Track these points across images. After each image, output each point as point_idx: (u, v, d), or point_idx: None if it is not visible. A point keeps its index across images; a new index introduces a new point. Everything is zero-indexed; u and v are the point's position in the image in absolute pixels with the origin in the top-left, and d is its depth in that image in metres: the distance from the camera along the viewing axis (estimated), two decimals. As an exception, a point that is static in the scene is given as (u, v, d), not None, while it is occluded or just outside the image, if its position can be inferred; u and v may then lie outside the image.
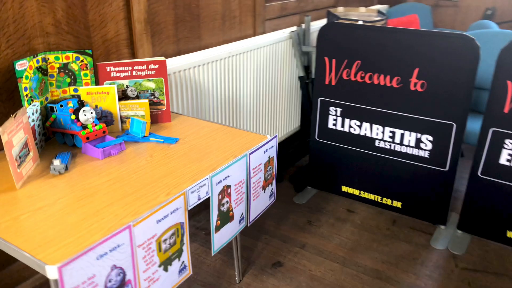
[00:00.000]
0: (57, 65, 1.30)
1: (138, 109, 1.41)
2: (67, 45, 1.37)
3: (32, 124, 1.20)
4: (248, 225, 1.38)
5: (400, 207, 2.03)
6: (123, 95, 1.43)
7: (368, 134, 2.00)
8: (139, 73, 1.41)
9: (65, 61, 1.31)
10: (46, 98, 1.31)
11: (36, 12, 1.27)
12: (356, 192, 2.15)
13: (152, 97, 1.46)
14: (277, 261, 1.75)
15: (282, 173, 2.45)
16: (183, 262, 1.13)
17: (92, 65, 1.35)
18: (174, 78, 1.64)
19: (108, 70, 1.38)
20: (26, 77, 1.21)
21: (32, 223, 0.93)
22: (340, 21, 2.22)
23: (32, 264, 0.83)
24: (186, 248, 1.13)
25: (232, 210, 1.28)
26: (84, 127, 1.24)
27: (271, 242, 1.87)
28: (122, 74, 1.40)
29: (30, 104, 1.23)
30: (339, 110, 2.06)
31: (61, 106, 1.26)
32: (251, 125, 2.15)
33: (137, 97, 1.44)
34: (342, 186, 2.19)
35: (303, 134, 2.61)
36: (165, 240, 1.05)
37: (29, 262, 0.83)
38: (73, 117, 1.23)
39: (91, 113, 1.25)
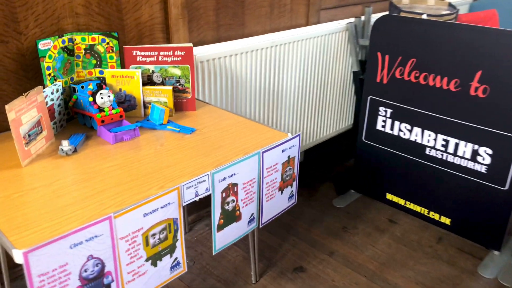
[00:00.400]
0: (83, 46, 1.31)
1: (161, 96, 1.39)
2: (97, 27, 1.38)
3: (51, 103, 1.22)
4: (260, 226, 1.30)
5: (448, 224, 1.83)
6: (149, 80, 1.41)
7: (419, 140, 1.82)
8: (165, 59, 1.38)
9: (91, 42, 1.31)
10: (72, 79, 1.32)
11: (66, -8, 1.28)
12: (401, 201, 1.98)
13: (178, 84, 1.42)
14: (300, 266, 1.66)
15: (326, 172, 2.33)
16: (176, 258, 1.08)
17: (118, 48, 1.34)
18: (212, 65, 1.59)
19: (134, 54, 1.36)
20: (50, 57, 1.23)
21: (21, 203, 0.94)
22: (402, 14, 2.03)
23: (5, 246, 0.83)
24: (181, 245, 1.08)
25: (239, 210, 1.21)
26: (101, 110, 1.24)
27: (298, 245, 1.78)
28: (148, 59, 1.38)
29: (52, 83, 1.25)
30: (389, 111, 1.89)
31: (82, 87, 1.27)
32: (293, 120, 2.05)
33: (162, 83, 1.42)
34: (387, 194, 2.02)
35: (355, 133, 2.45)
36: (154, 234, 1.01)
37: (3, 243, 0.84)
38: (90, 99, 1.23)
39: (109, 96, 1.24)
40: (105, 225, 0.90)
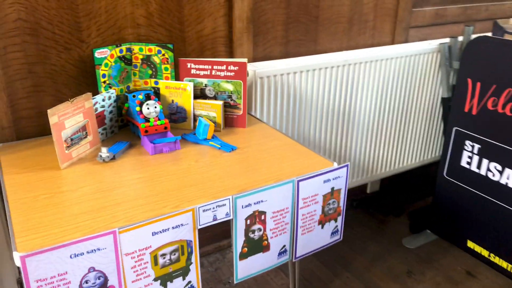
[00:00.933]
0: (141, 56, 1.34)
1: (211, 110, 1.36)
2: (158, 38, 1.40)
3: (101, 109, 1.26)
4: (294, 260, 1.20)
5: (540, 289, 1.52)
6: (201, 94, 1.39)
7: (510, 184, 1.55)
8: (218, 73, 1.35)
9: (147, 53, 1.34)
10: (128, 87, 1.36)
11: (129, 3, 1.32)
12: (485, 252, 1.70)
13: (229, 100, 1.38)
14: (347, 308, 1.50)
15: (402, 206, 2.11)
16: (189, 282, 1.04)
17: (173, 59, 1.35)
18: (273, 81, 1.53)
19: (188, 66, 1.36)
20: (106, 65, 1.27)
21: (43, 205, 0.97)
22: (506, 36, 1.75)
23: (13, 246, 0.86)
24: (195, 269, 1.03)
25: (267, 240, 1.12)
26: (146, 120, 1.25)
27: (351, 283, 1.62)
28: (202, 73, 1.36)
29: (107, 90, 1.29)
30: (476, 146, 1.64)
31: (133, 96, 1.30)
32: (365, 146, 1.89)
33: (215, 98, 1.39)
34: (468, 241, 1.76)
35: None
36: (164, 255, 0.97)
37: (13, 243, 0.87)
38: (137, 109, 1.25)
39: (155, 107, 1.25)
40: (109, 240, 0.89)
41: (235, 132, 1.37)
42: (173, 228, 0.96)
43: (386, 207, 2.07)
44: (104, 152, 1.16)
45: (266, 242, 1.13)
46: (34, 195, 1.01)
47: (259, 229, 1.10)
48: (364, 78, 1.76)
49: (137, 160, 1.18)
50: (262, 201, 1.07)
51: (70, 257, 0.86)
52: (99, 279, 0.90)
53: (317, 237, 1.22)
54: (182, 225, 0.97)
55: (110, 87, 1.31)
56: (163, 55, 1.34)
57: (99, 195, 1.02)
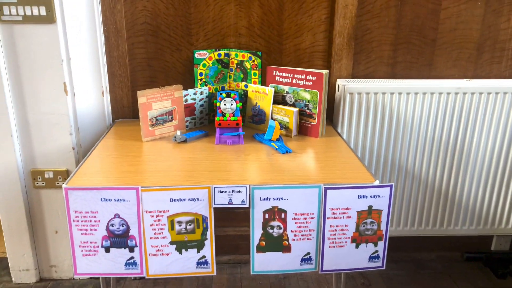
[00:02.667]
0: (236, 61, 1.51)
1: (285, 115, 1.43)
2: (256, 47, 1.55)
3: (191, 101, 1.47)
4: (320, 272, 1.16)
5: None
6: (283, 100, 1.48)
7: None
8: (297, 81, 1.42)
9: (241, 59, 1.50)
10: (223, 87, 1.55)
11: (233, 15, 1.51)
12: None
13: (306, 108, 1.43)
14: None
15: (533, 275, 1.72)
16: (203, 257, 1.13)
17: (261, 66, 1.47)
18: (365, 99, 1.51)
19: (274, 73, 1.47)
20: (204, 65, 1.49)
21: (108, 162, 1.22)
22: None
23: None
24: (210, 245, 1.12)
25: (287, 240, 1.13)
26: (223, 114, 1.41)
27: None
28: (284, 80, 1.45)
29: (202, 87, 1.50)
30: None
31: (221, 94, 1.47)
32: (484, 190, 1.63)
33: (293, 105, 1.45)
34: None
35: None
36: (180, 222, 1.09)
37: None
38: (218, 104, 1.41)
39: (231, 104, 1.39)
40: (132, 194, 1.06)
41: (305, 140, 1.40)
42: (189, 200, 1.08)
43: (507, 268, 1.72)
44: (178, 134, 1.36)
45: (286, 242, 1.13)
46: (107, 154, 1.27)
47: (279, 227, 1.12)
48: (487, 110, 1.54)
49: (202, 145, 1.34)
50: (282, 198, 1.09)
51: (101, 200, 1.06)
52: (122, 226, 1.09)
53: (349, 256, 1.15)
54: (198, 199, 1.08)
55: (206, 85, 1.51)
56: (253, 61, 1.48)
57: (150, 162, 1.21)
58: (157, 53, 1.54)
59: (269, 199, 1.09)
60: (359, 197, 1.10)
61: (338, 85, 1.53)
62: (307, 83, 1.40)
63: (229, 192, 1.08)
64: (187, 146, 1.34)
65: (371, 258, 1.16)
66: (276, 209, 1.10)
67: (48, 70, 1.39)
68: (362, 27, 1.54)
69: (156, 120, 1.39)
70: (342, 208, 1.11)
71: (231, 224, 1.71)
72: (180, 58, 1.55)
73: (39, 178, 1.50)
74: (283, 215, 1.11)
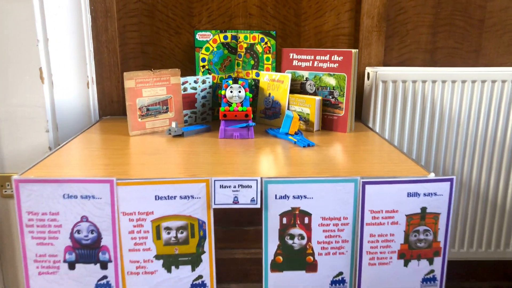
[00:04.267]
0: (245, 45, 1.27)
1: (305, 106, 1.17)
2: (270, 30, 1.31)
3: (191, 91, 1.22)
4: (356, 300, 0.86)
5: None
6: (302, 89, 1.22)
7: None
8: (320, 64, 1.17)
9: (251, 41, 1.26)
10: (229, 77, 1.30)
11: (242, -8, 1.29)
12: None
13: (330, 97, 1.16)
14: None
15: None
16: (200, 277, 0.84)
17: (275, 48, 1.23)
18: (401, 88, 1.24)
19: (290, 57, 1.22)
20: (207, 49, 1.25)
21: (87, 153, 0.96)
22: None
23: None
24: (209, 261, 0.84)
25: (312, 255, 0.84)
26: (229, 104, 1.15)
27: None
28: (304, 64, 1.20)
29: (205, 75, 1.25)
30: None
31: (227, 81, 1.22)
32: (549, 202, 1.33)
33: (315, 94, 1.19)
34: None
35: None
36: (169, 229, 0.82)
37: (30, 173, 0.86)
38: (222, 92, 1.16)
39: (239, 92, 1.14)
40: (105, 189, 0.79)
41: (330, 134, 1.13)
42: (181, 198, 0.81)
43: None
44: (173, 127, 1.10)
45: (311, 258, 0.84)
46: (83, 147, 1.01)
47: (301, 236, 0.83)
48: (550, 104, 1.27)
49: (203, 140, 1.08)
50: (305, 196, 0.81)
51: (63, 197, 0.80)
52: (92, 233, 0.81)
53: (396, 276, 0.86)
54: (192, 197, 0.81)
55: (210, 73, 1.27)
56: (266, 43, 1.24)
57: (135, 155, 0.95)
58: (153, 38, 1.31)
59: (288, 198, 0.81)
60: (408, 195, 0.82)
61: (368, 73, 1.27)
62: (332, 65, 1.15)
63: (235, 187, 0.80)
64: (184, 140, 1.07)
65: (425, 280, 0.87)
66: (297, 212, 0.82)
67: (20, 52, 1.16)
68: (395, 6, 1.30)
69: (147, 110, 1.14)
70: (386, 210, 0.82)
71: (239, 245, 1.41)
72: (180, 43, 1.32)
73: (8, 185, 1.24)
74: (306, 220, 0.83)
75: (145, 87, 1.12)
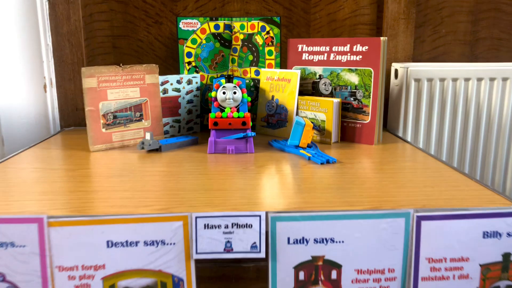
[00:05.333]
0: (242, 36, 1.01)
1: (319, 110, 0.91)
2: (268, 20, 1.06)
3: (174, 94, 0.96)
4: None
5: None
6: (314, 90, 0.96)
7: None
8: (338, 57, 0.91)
9: (249, 31, 1.00)
10: (222, 76, 1.04)
11: (238, -29, 1.03)
12: None
13: (352, 99, 0.90)
14: None
15: None
16: None
17: (279, 39, 0.97)
18: (439, 87, 0.99)
19: (299, 49, 0.96)
20: (194, 41, 0.99)
21: (24, 174, 0.69)
22: None
23: None
24: (190, 337, 0.56)
25: (343, 325, 0.57)
26: (221, 109, 0.89)
27: None
28: (317, 58, 0.94)
29: (191, 74, 1.00)
30: None
31: (218, 80, 0.96)
32: None
33: (331, 95, 0.94)
34: None
35: None
36: (128, 290, 0.55)
37: None
38: (213, 94, 0.90)
39: (234, 93, 0.88)
40: (30, 230, 0.53)
41: (353, 148, 0.87)
42: (146, 244, 0.54)
43: None
44: (147, 138, 0.84)
45: (340, 329, 0.57)
46: (23, 167, 0.74)
47: (325, 298, 0.56)
48: None
49: (186, 156, 0.81)
50: (332, 240, 0.54)
51: (-32, 244, 0.53)
52: (11, 297, 0.54)
53: None
54: (163, 243, 0.54)
55: (197, 71, 1.01)
56: (267, 33, 0.98)
57: (88, 178, 0.68)
58: (127, 28, 1.05)
59: (307, 242, 0.54)
60: (485, 235, 0.55)
61: (396, 70, 1.02)
62: (354, 57, 0.89)
63: (227, 227, 0.53)
64: (161, 157, 0.81)
65: None
66: (320, 263, 0.55)
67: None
68: (426, -13, 1.05)
69: (114, 117, 0.87)
70: (452, 258, 0.56)
71: (236, 286, 1.14)
72: (160, 36, 1.06)
73: None
74: (334, 274, 0.56)
75: (112, 88, 0.86)
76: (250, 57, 1.02)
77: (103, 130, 0.86)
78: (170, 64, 1.07)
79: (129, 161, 0.78)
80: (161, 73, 1.06)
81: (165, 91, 0.95)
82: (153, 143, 0.84)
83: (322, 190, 0.62)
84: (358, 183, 0.65)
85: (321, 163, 0.75)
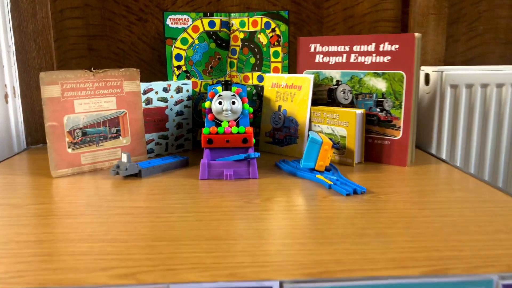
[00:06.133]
0: (242, 35, 0.84)
1: (338, 124, 0.73)
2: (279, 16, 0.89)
3: (160, 104, 0.79)
4: None
5: None
6: (331, 99, 0.79)
7: None
8: (360, 58, 0.74)
9: (251, 29, 0.83)
10: (218, 83, 0.87)
11: (237, -42, 0.87)
12: None
13: (377, 110, 0.73)
14: None
15: None
16: None
17: (287, 38, 0.81)
18: (481, 95, 0.82)
19: (312, 49, 0.79)
20: (184, 41, 0.82)
21: None
22: None
23: None
24: None
25: None
26: (217, 123, 0.72)
27: None
28: (334, 59, 0.77)
29: (181, 80, 0.83)
30: None
31: (213, 88, 0.79)
32: None
33: (352, 105, 0.76)
34: None
35: None
36: None
37: None
38: (207, 104, 0.73)
39: (233, 103, 0.71)
40: None
41: (382, 170, 0.70)
42: (102, 329, 0.36)
43: None
44: (123, 160, 0.67)
45: None
46: (-39, 202, 0.57)
47: None
48: None
49: (171, 183, 0.64)
50: (377, 319, 0.37)
51: None
52: None
53: None
54: (127, 327, 0.36)
55: (188, 77, 0.84)
56: (273, 30, 0.81)
57: (36, 219, 0.50)
58: (105, 27, 0.88)
59: (340, 324, 0.37)
60: None
61: (427, 75, 0.85)
62: (380, 59, 0.72)
63: (221, 303, 0.36)
64: (140, 185, 0.64)
65: None
66: None
67: None
68: (461, -23, 0.89)
69: (84, 134, 0.70)
70: None
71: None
72: (145, 35, 0.89)
73: None
74: None
75: (80, 97, 0.69)
76: (252, 60, 0.85)
77: (69, 150, 0.69)
78: (157, 69, 0.90)
79: (99, 192, 0.61)
80: (145, 79, 0.89)
81: (148, 101, 0.78)
82: (130, 167, 0.66)
83: (355, 239, 0.44)
84: (402, 226, 0.47)
85: (347, 194, 0.58)
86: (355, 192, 0.58)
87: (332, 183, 0.61)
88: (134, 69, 0.74)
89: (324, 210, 0.52)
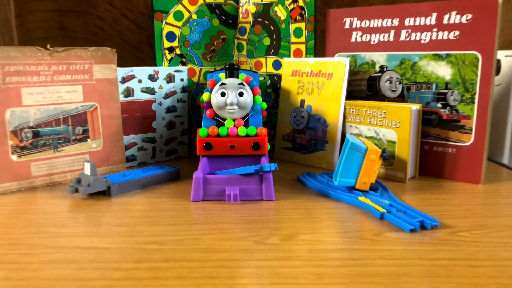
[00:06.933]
0: (253, 9, 0.65)
1: (385, 124, 0.53)
2: (299, -17, 0.70)
3: (144, 97, 0.60)
4: None
5: None
6: (371, 92, 0.59)
7: None
8: (414, 35, 0.54)
9: (266, 0, 0.64)
10: (222, 69, 0.67)
11: None
12: None
13: (439, 105, 0.53)
14: None
15: None
16: None
17: (313, 11, 0.61)
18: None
19: (346, 25, 0.59)
20: (177, 16, 0.63)
21: None
22: None
23: None
24: None
25: None
26: (219, 121, 0.52)
27: None
28: (377, 38, 0.57)
29: (174, 66, 0.63)
30: None
31: (215, 75, 0.60)
32: None
33: (402, 99, 0.57)
34: None
35: None
36: None
37: None
38: (205, 97, 0.54)
39: (240, 95, 0.51)
40: None
41: (446, 189, 0.50)
42: None
43: None
44: (85, 172, 0.48)
45: None
46: None
47: None
48: None
49: (152, 206, 0.45)
50: None
51: None
52: None
53: None
54: None
55: (184, 63, 0.65)
56: (294, 1, 0.62)
57: None
58: (80, 1, 0.70)
59: None
60: None
61: (498, 62, 0.65)
62: (444, 35, 0.52)
63: None
64: (108, 209, 0.44)
65: None
66: None
67: None
68: None
69: (36, 135, 0.51)
70: None
71: None
72: (129, 10, 0.71)
73: None
74: None
75: (30, 85, 0.50)
76: (267, 41, 0.65)
77: (14, 157, 0.50)
78: (145, 53, 0.71)
79: (45, 218, 0.42)
80: (126, 63, 0.70)
81: (129, 92, 0.59)
82: (94, 182, 0.47)
83: None
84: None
85: (411, 230, 0.38)
86: (422, 227, 0.39)
87: (385, 210, 0.41)
88: (108, 48, 0.55)
89: (382, 260, 0.33)
